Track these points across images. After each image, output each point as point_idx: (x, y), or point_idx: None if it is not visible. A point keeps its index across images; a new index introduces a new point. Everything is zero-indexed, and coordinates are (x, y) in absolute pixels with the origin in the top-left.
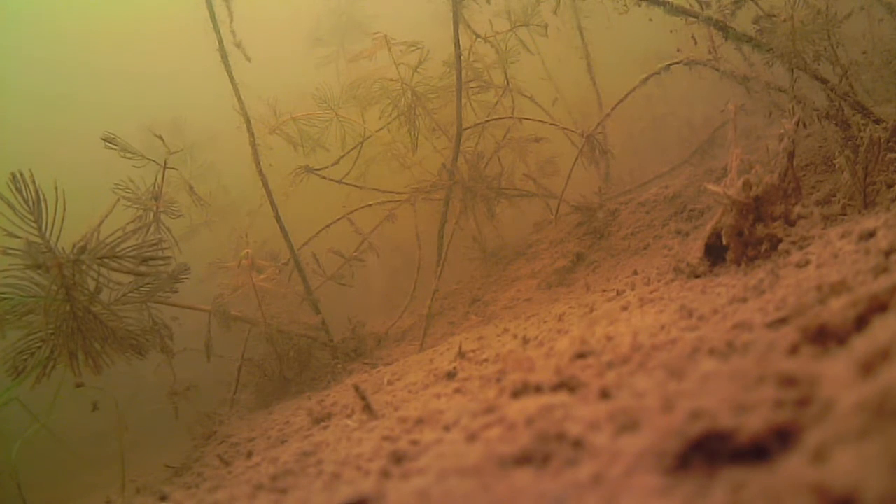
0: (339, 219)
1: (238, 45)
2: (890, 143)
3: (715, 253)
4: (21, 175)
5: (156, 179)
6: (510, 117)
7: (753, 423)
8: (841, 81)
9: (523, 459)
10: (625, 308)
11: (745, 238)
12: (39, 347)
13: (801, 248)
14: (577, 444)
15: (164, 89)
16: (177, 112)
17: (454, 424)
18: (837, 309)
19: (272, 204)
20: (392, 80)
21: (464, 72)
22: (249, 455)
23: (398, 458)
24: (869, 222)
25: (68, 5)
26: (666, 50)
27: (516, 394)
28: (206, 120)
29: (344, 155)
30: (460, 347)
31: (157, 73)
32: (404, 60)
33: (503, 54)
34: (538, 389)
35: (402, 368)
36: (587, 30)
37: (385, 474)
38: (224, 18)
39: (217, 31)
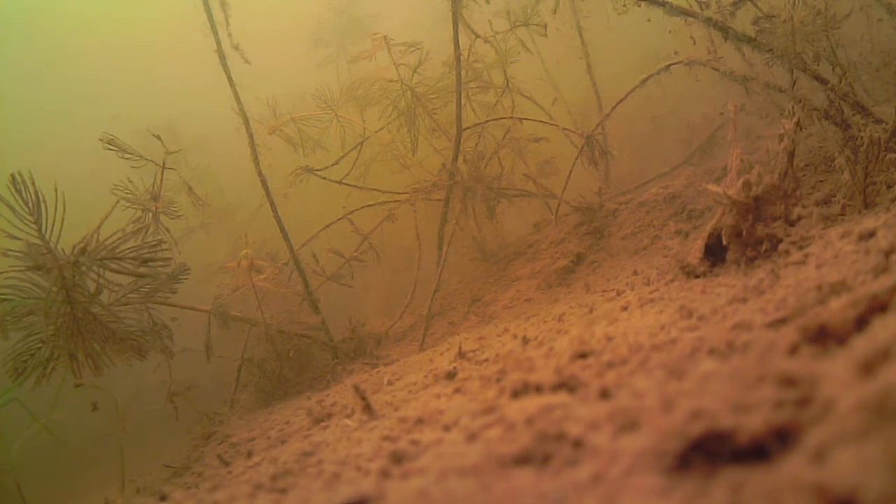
0: (338, 219)
1: (236, 48)
2: (890, 144)
3: (715, 253)
4: (21, 176)
5: (154, 180)
6: (510, 117)
7: (753, 424)
8: (840, 82)
9: (523, 459)
10: (625, 308)
11: (744, 238)
12: (40, 348)
13: (800, 248)
14: (577, 444)
15: (158, 95)
16: (171, 117)
17: (454, 424)
18: (837, 309)
19: (272, 204)
20: (392, 80)
21: (463, 72)
22: (249, 455)
23: (398, 458)
24: (869, 222)
25: (64, 14)
26: (665, 50)
27: (516, 394)
28: (200, 124)
29: (344, 155)
30: (460, 347)
31: (151, 79)
32: (404, 61)
33: (503, 54)
34: (538, 389)
35: (402, 368)
36: (586, 30)
37: (385, 474)
38: (221, 20)
39: (215, 33)
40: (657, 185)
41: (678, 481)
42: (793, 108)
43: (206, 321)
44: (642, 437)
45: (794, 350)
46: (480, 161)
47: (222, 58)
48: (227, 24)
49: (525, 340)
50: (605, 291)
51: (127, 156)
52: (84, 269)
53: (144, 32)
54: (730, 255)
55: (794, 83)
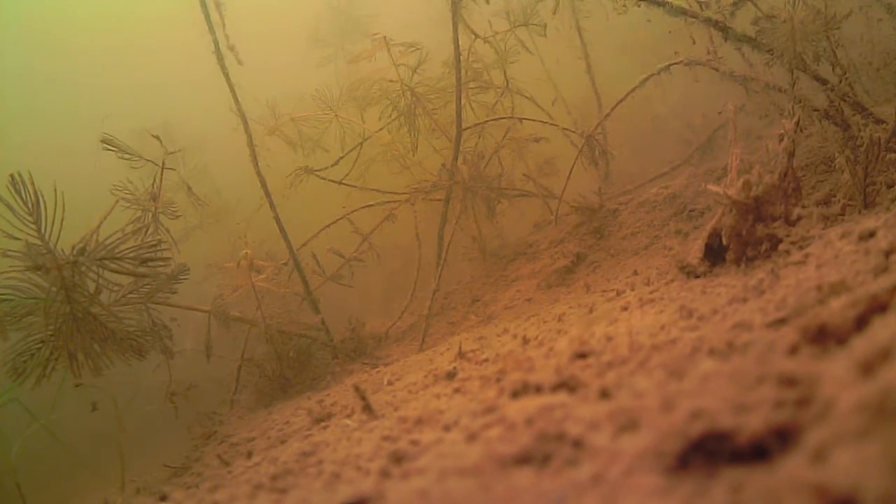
0: (338, 219)
1: (231, 49)
2: (890, 144)
3: (715, 253)
4: (20, 176)
5: (154, 180)
6: (510, 117)
7: (753, 424)
8: (840, 82)
9: (523, 459)
10: (625, 308)
11: (744, 238)
12: (39, 349)
13: (800, 248)
14: (577, 444)
15: (155, 95)
16: (167, 117)
17: (454, 424)
18: (837, 309)
19: (271, 205)
20: (392, 80)
21: (463, 72)
22: (249, 455)
23: (398, 458)
24: (869, 222)
25: (63, 14)
26: (665, 50)
27: (516, 394)
28: (195, 124)
29: (343, 156)
30: (460, 347)
31: (148, 79)
32: (404, 61)
33: (502, 54)
34: (538, 389)
35: (401, 368)
36: (586, 30)
37: (385, 474)
38: (217, 21)
39: (212, 34)
40: (657, 185)
41: (678, 481)
42: (793, 108)
43: (205, 322)
44: (642, 437)
45: (794, 350)
46: (480, 161)
47: (220, 58)
48: (224, 24)
49: (525, 340)
50: (605, 291)
51: (126, 156)
52: (83, 269)
53: (141, 32)
54: (730, 255)
55: (794, 83)
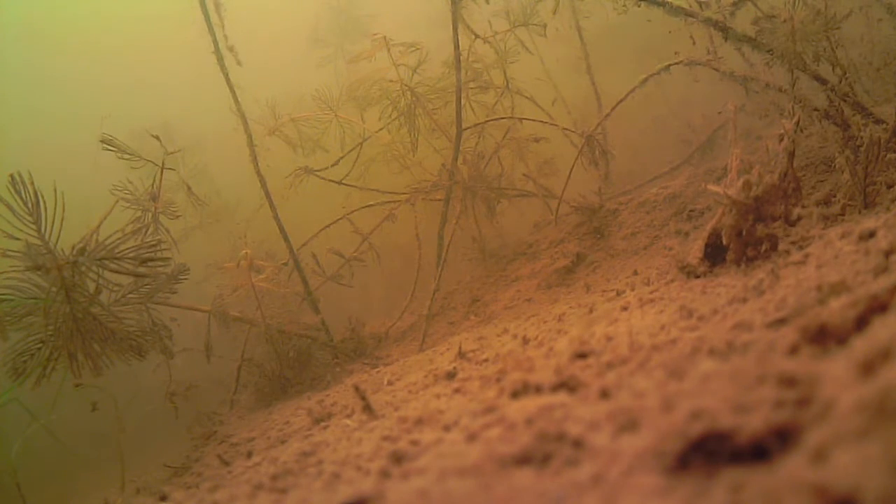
0: (338, 219)
1: (231, 49)
2: (890, 144)
3: (715, 253)
4: (20, 176)
5: (154, 180)
6: (510, 117)
7: (753, 424)
8: (840, 82)
9: (523, 459)
10: (625, 308)
11: (745, 238)
12: (39, 349)
13: (801, 248)
14: (577, 444)
15: (154, 95)
16: (166, 117)
17: (454, 424)
18: (837, 309)
19: (271, 205)
20: (391, 80)
21: (463, 72)
22: (249, 455)
23: (398, 458)
24: (869, 222)
25: (63, 14)
26: (665, 50)
27: (516, 394)
28: (195, 124)
29: (343, 156)
30: (460, 347)
31: (147, 79)
32: (404, 61)
33: (502, 54)
34: (538, 389)
35: (401, 368)
36: (586, 30)
37: (385, 474)
38: (217, 21)
39: (212, 34)
40: (657, 185)
41: (678, 481)
42: (793, 108)
43: (205, 322)
44: (642, 437)
45: (794, 350)
46: (480, 161)
47: (220, 59)
48: (223, 24)
49: (525, 340)
50: (605, 291)
51: (125, 156)
52: (83, 269)
53: (141, 32)
54: (730, 256)
55: (794, 83)
